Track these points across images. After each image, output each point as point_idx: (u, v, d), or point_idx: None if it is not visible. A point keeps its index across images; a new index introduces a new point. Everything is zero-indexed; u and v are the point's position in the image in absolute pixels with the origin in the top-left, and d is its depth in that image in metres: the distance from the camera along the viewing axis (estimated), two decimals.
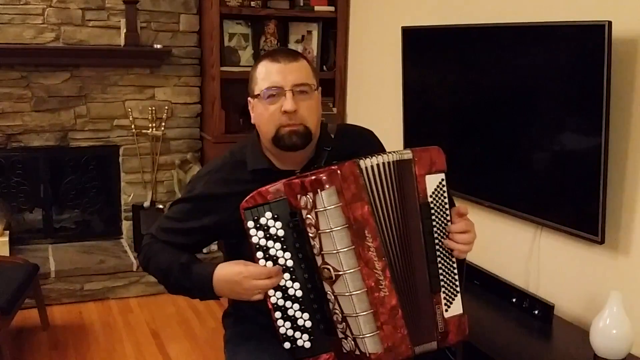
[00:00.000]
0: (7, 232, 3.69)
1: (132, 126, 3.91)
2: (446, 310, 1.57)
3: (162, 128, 3.97)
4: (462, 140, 2.65)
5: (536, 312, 2.25)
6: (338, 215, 1.44)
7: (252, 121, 1.70)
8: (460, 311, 1.60)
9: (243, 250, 1.59)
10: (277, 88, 1.59)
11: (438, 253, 1.58)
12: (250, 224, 1.52)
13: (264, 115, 1.62)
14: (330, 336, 1.51)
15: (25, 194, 3.89)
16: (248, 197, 1.53)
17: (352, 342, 1.48)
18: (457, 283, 1.61)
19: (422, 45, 2.87)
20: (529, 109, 2.28)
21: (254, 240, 1.53)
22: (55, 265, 3.62)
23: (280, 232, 1.52)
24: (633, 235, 2.03)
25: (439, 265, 1.58)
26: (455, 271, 1.61)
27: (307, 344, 1.53)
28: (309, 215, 1.46)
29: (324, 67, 3.98)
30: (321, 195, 1.44)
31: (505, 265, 2.53)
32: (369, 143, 1.79)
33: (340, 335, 1.50)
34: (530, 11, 2.39)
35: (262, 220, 1.52)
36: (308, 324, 1.53)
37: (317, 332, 1.52)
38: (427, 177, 1.56)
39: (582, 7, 2.16)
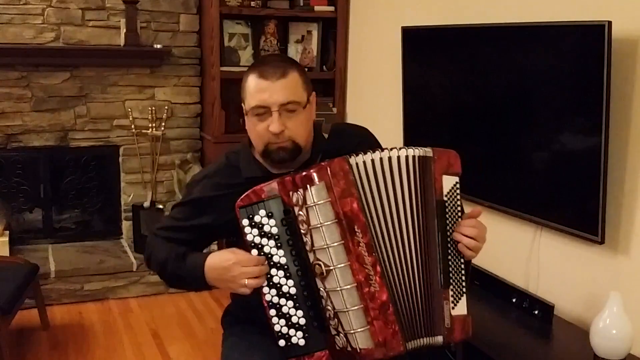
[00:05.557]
0: (7, 232, 3.69)
1: (132, 126, 3.91)
2: (452, 308, 1.59)
3: (162, 128, 3.97)
4: (461, 140, 2.65)
5: (536, 312, 2.25)
6: (327, 211, 1.47)
7: (245, 127, 1.71)
8: (465, 312, 1.62)
9: (243, 247, 1.60)
10: (263, 108, 1.60)
11: (449, 251, 1.61)
12: (245, 222, 1.54)
13: (253, 131, 1.66)
14: (324, 333, 1.53)
15: (25, 194, 3.89)
16: (243, 195, 1.55)
17: (344, 338, 1.49)
18: (464, 284, 1.63)
19: (422, 45, 2.87)
20: (528, 108, 2.28)
21: (249, 238, 1.54)
22: (55, 266, 3.62)
23: (274, 230, 1.53)
24: (633, 235, 2.03)
25: (449, 263, 1.61)
26: (463, 272, 1.63)
27: (302, 342, 1.54)
28: (300, 212, 1.49)
29: (324, 67, 3.98)
30: (311, 191, 1.47)
31: (505, 265, 2.53)
32: (364, 141, 1.79)
33: (333, 332, 1.51)
34: (530, 11, 2.39)
35: (257, 218, 1.53)
36: (302, 321, 1.53)
37: (312, 329, 1.53)
38: (444, 177, 1.60)
39: (582, 7, 2.17)
